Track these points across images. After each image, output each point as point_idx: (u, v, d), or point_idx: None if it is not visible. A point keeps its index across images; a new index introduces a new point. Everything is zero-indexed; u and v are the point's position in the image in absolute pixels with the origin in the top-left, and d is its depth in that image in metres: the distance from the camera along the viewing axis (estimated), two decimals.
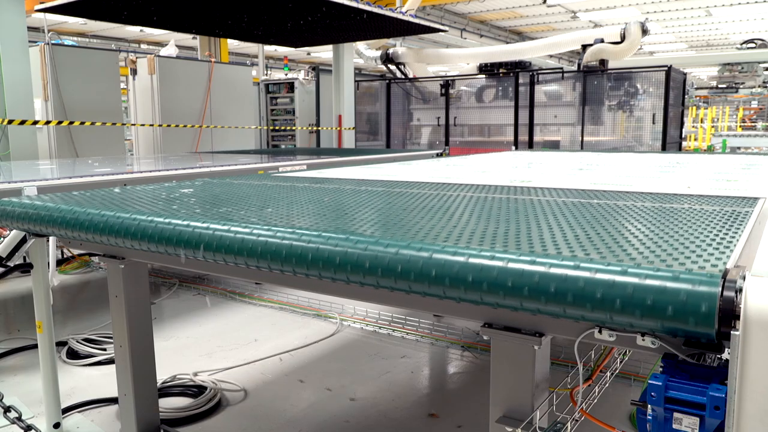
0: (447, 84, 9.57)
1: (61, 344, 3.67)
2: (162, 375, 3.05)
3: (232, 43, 15.97)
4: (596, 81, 8.25)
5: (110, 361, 3.49)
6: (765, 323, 0.92)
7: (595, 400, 1.86)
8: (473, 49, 10.80)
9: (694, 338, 1.01)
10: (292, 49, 12.88)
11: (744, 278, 0.97)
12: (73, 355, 3.67)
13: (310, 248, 1.35)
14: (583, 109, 8.39)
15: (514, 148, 8.44)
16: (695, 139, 17.33)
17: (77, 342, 3.72)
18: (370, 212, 1.80)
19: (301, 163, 5.18)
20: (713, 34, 20.60)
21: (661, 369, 1.10)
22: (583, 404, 1.62)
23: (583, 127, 8.41)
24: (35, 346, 2.77)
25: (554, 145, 8.65)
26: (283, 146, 12.24)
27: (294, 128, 11.89)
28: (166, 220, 1.65)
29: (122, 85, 9.34)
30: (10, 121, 6.23)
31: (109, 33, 19.42)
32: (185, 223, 1.61)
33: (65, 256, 5.89)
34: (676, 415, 1.04)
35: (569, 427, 1.40)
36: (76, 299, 5.11)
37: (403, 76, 10.00)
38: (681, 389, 1.03)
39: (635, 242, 1.30)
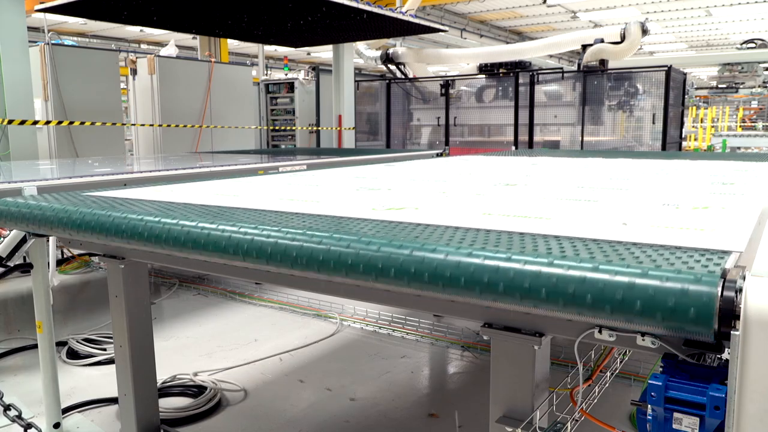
0: (447, 84, 9.56)
1: (61, 344, 3.67)
2: (162, 375, 3.05)
3: (232, 43, 15.96)
4: (596, 81, 8.24)
5: (110, 361, 3.49)
6: (765, 323, 0.91)
7: (595, 400, 1.86)
8: (473, 49, 10.79)
9: (694, 338, 1.01)
10: (292, 49, 12.87)
11: (744, 278, 0.97)
12: (73, 355, 3.67)
13: (321, 249, 1.35)
14: (583, 109, 8.38)
15: (513, 148, 8.44)
16: (695, 139, 17.32)
17: (77, 342, 3.72)
18: None
19: (301, 163, 5.17)
20: (713, 34, 20.60)
21: (661, 369, 1.10)
22: (583, 404, 1.62)
23: (583, 127, 8.40)
24: (35, 346, 2.77)
25: (554, 145, 8.64)
26: (283, 146, 12.24)
27: (294, 128, 11.88)
28: (167, 220, 1.65)
29: (122, 85, 9.33)
30: (10, 121, 6.22)
31: (109, 33, 19.41)
32: (186, 223, 1.61)
33: (65, 256, 5.89)
34: (676, 415, 1.04)
35: (569, 427, 1.40)
36: (76, 299, 5.11)
37: (403, 76, 9.99)
38: (681, 389, 1.03)
39: (631, 246, 1.30)
